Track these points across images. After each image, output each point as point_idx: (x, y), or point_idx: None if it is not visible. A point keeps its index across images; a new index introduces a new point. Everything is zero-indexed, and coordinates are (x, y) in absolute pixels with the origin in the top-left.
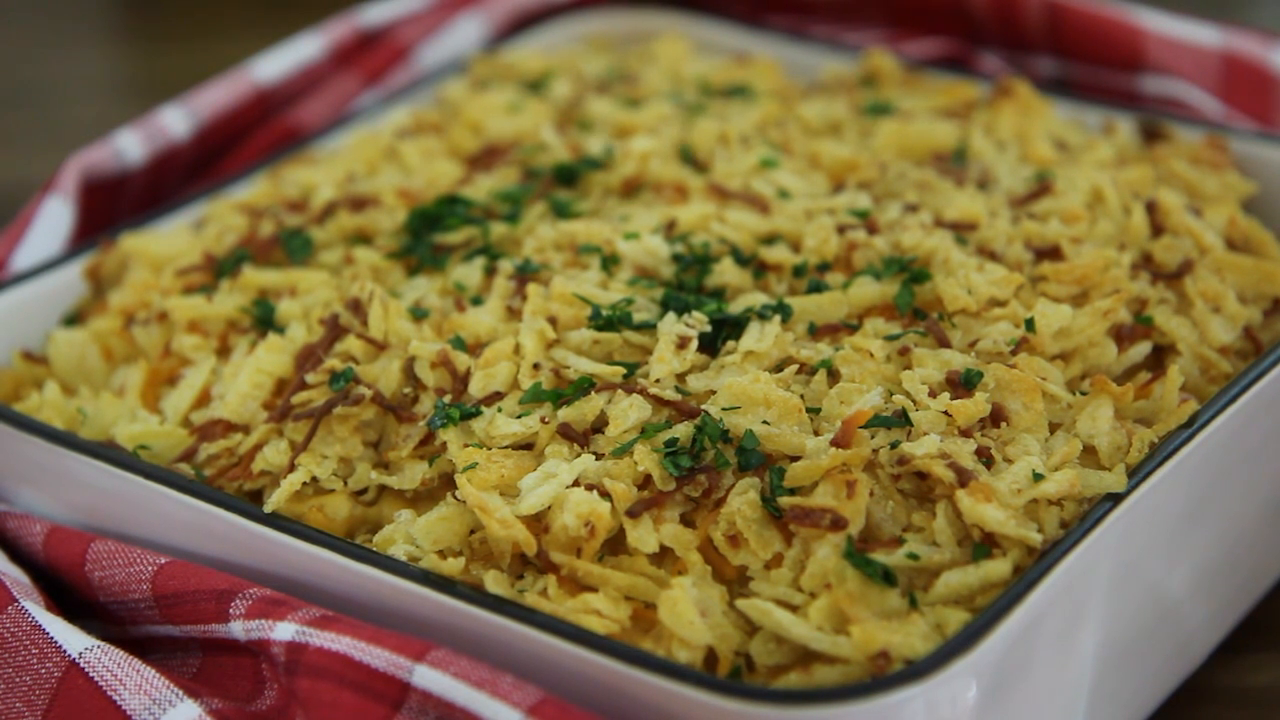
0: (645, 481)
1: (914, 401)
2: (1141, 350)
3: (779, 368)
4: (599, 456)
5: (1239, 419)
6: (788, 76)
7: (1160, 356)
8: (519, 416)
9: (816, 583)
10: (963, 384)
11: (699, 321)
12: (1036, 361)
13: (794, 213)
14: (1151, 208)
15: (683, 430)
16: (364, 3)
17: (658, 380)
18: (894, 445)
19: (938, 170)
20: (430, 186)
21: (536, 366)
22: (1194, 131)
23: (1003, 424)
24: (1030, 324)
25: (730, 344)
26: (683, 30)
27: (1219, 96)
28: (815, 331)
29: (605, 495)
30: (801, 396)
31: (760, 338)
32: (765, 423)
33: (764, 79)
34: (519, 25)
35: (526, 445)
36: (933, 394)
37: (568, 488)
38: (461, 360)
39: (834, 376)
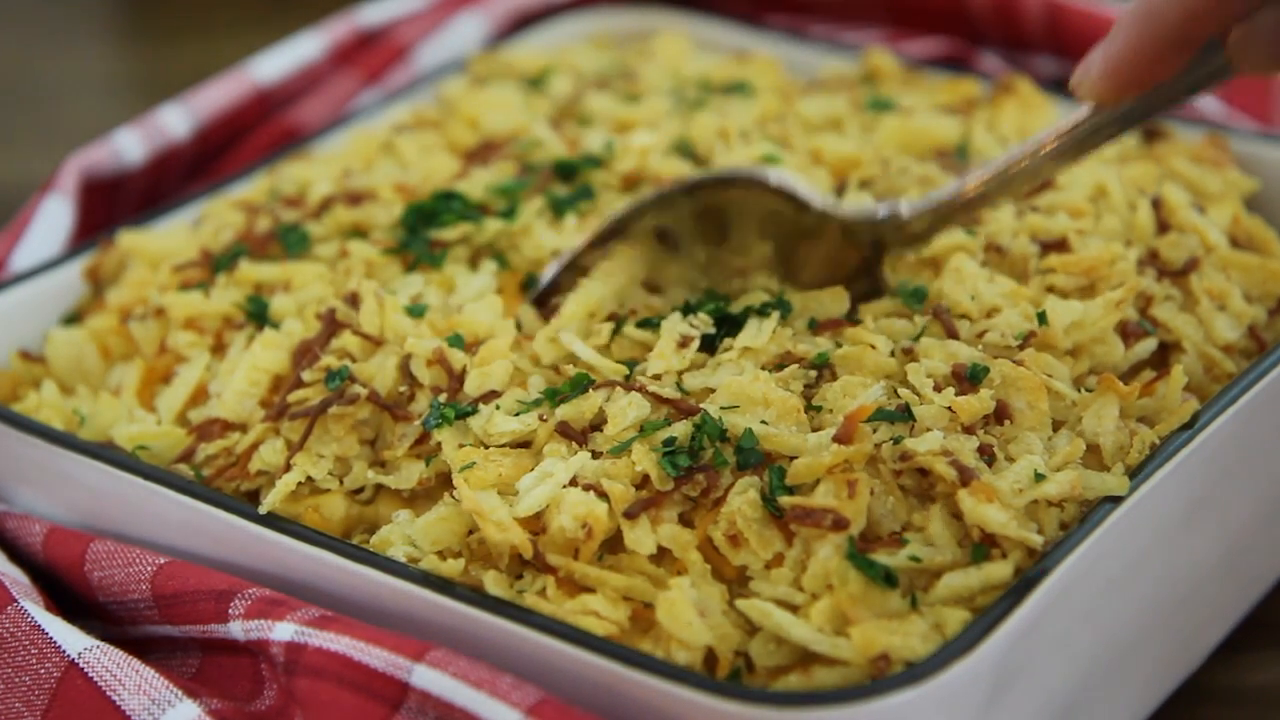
0: (643, 481)
1: (918, 396)
2: (1147, 347)
3: (779, 364)
4: (597, 455)
5: (1240, 419)
6: (787, 75)
7: (1165, 354)
8: (517, 414)
9: (818, 583)
10: (968, 379)
11: (703, 323)
12: (1044, 358)
13: None
14: (1156, 204)
15: (681, 429)
16: (364, 2)
17: (657, 377)
18: (896, 441)
19: (940, 166)
20: (426, 181)
21: (537, 364)
22: (1194, 131)
23: (1006, 421)
24: (1042, 317)
25: (728, 341)
26: (682, 29)
27: (1219, 95)
28: (816, 327)
29: (603, 495)
30: (806, 387)
31: (757, 334)
32: (764, 422)
33: (764, 76)
34: (519, 24)
35: (524, 444)
36: (938, 388)
37: (565, 487)
38: (457, 358)
39: (834, 371)
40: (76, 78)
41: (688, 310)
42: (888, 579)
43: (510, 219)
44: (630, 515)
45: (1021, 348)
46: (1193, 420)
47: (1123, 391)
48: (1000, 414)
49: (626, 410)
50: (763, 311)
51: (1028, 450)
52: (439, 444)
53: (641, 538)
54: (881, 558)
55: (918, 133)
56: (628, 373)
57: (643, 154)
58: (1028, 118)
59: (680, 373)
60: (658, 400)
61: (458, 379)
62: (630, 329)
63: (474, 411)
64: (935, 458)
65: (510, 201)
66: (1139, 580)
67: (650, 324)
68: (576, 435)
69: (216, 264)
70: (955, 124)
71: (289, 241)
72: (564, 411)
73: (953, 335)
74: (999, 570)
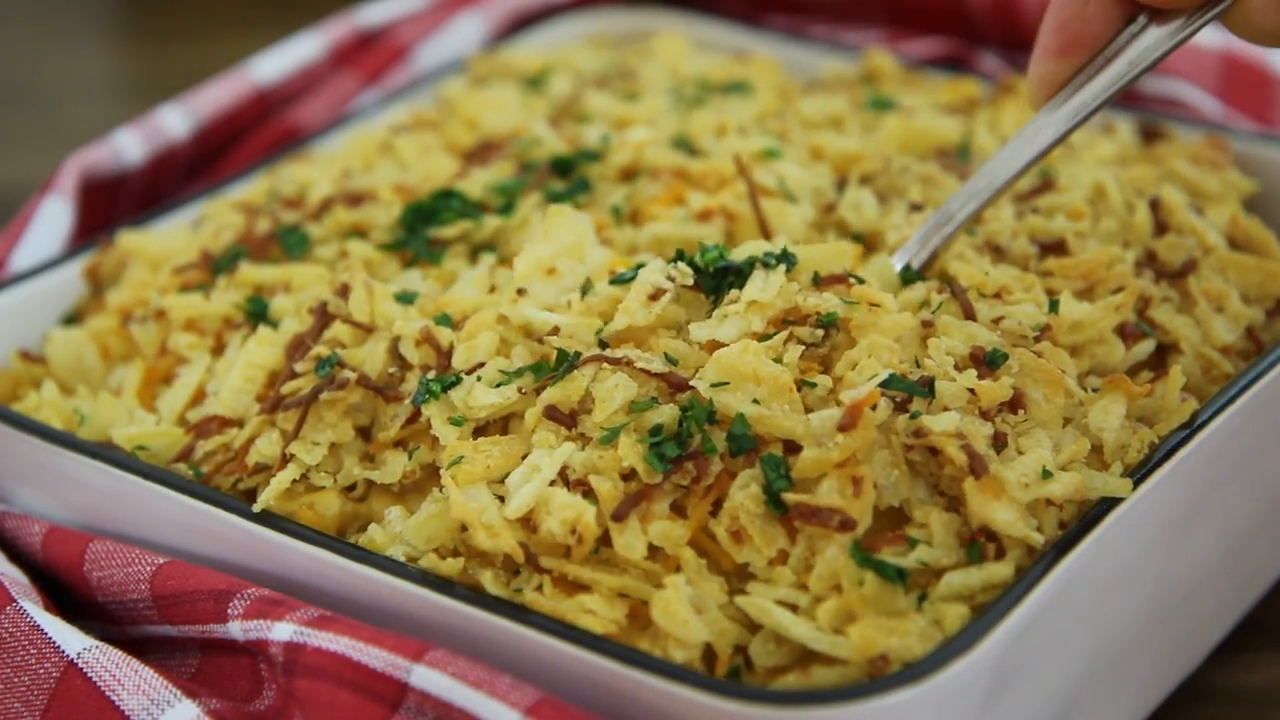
0: (632, 471)
1: (938, 370)
2: (1145, 348)
3: (784, 319)
4: (587, 439)
5: (1239, 419)
6: (787, 75)
7: (1162, 355)
8: (498, 385)
9: (825, 584)
10: (986, 363)
11: (683, 274)
12: (1059, 353)
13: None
14: (1155, 205)
15: (668, 413)
16: (363, 2)
17: (640, 346)
18: (914, 415)
19: (941, 165)
20: (426, 181)
21: (526, 334)
22: (1194, 131)
23: (1020, 411)
24: (1055, 305)
25: (734, 292)
26: (682, 29)
27: (1218, 96)
28: (819, 282)
29: (590, 492)
30: (811, 346)
31: (764, 287)
32: (755, 401)
33: (763, 76)
34: (518, 25)
35: (512, 416)
36: (957, 368)
37: (553, 484)
38: (444, 335)
39: (845, 330)
40: (76, 78)
41: (679, 258)
42: (899, 575)
43: (508, 215)
44: (618, 517)
45: (1038, 339)
46: (1191, 420)
47: (1133, 391)
48: (1014, 403)
49: (614, 393)
50: (767, 263)
51: (1036, 444)
52: (424, 430)
53: (631, 541)
54: (892, 559)
55: (919, 132)
56: (600, 326)
57: (639, 148)
58: (1028, 117)
59: (684, 325)
60: (646, 375)
61: (446, 356)
62: (603, 286)
63: (459, 381)
64: (949, 439)
65: (508, 199)
66: (1138, 580)
67: (624, 280)
68: (564, 418)
69: (216, 265)
70: (956, 124)
71: (289, 243)
72: (551, 395)
73: (970, 316)
74: (1000, 570)
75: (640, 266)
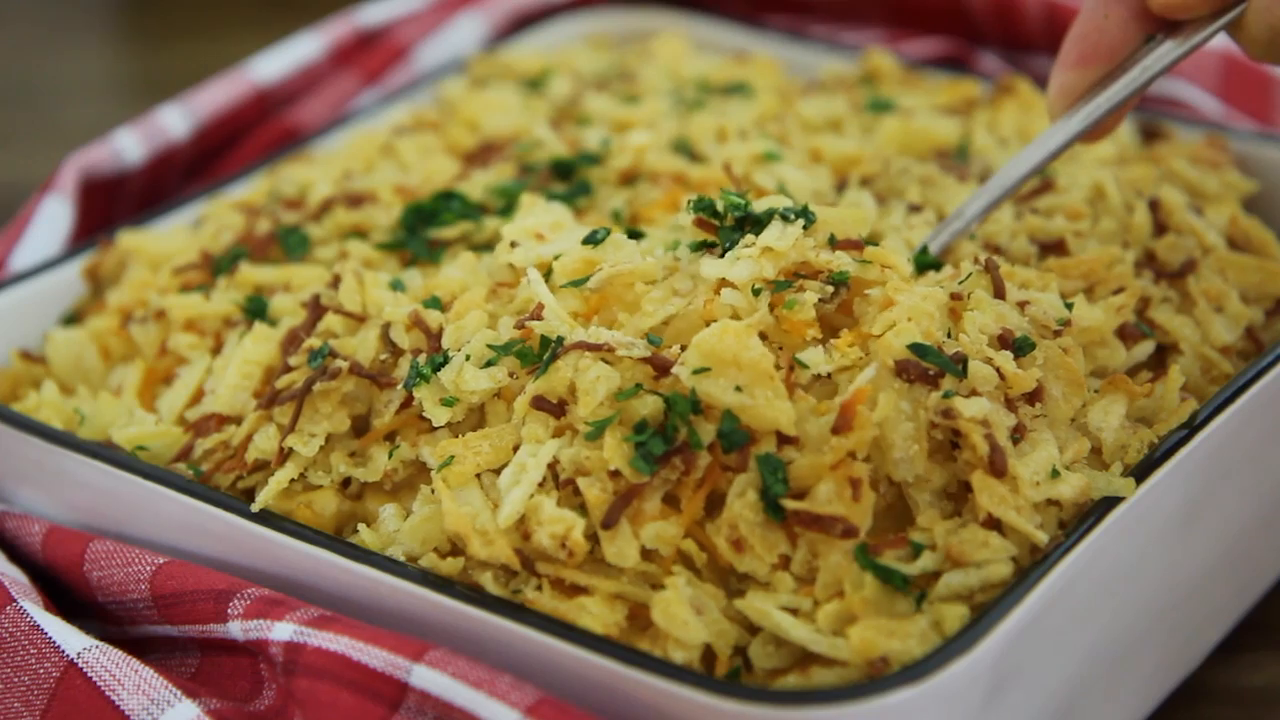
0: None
1: (971, 348)
2: (1145, 349)
3: (796, 272)
4: (576, 431)
5: (1238, 418)
6: (787, 76)
7: (1162, 356)
8: (486, 363)
9: (828, 591)
10: (1015, 348)
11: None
12: (1079, 352)
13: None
14: (1154, 205)
15: (653, 404)
16: (363, 2)
17: (619, 271)
18: (947, 394)
19: (940, 166)
20: (427, 183)
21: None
22: (1194, 131)
23: (1037, 405)
24: (1069, 307)
25: (750, 237)
26: (682, 29)
27: (1219, 96)
28: (835, 244)
29: (579, 494)
30: (821, 302)
31: (781, 236)
32: (738, 389)
33: (763, 77)
34: (518, 25)
35: (491, 400)
36: (990, 346)
37: (541, 490)
38: (434, 318)
39: (854, 289)
40: (76, 78)
41: (700, 206)
42: (905, 583)
43: (508, 217)
44: (608, 525)
45: (1057, 334)
46: (1191, 420)
47: (1135, 391)
48: (1033, 396)
49: (596, 386)
50: (786, 216)
51: (1044, 441)
52: (417, 417)
53: (622, 549)
54: (897, 565)
55: (918, 133)
56: (584, 278)
57: (639, 151)
58: (1028, 118)
59: (699, 252)
60: (631, 360)
61: (436, 338)
62: (576, 247)
63: (448, 359)
64: (975, 426)
65: (509, 201)
66: (1138, 580)
67: (595, 240)
68: (553, 407)
69: (217, 266)
70: (955, 125)
71: (289, 244)
72: (536, 387)
73: (1000, 295)
74: (1000, 570)
75: (631, 231)
